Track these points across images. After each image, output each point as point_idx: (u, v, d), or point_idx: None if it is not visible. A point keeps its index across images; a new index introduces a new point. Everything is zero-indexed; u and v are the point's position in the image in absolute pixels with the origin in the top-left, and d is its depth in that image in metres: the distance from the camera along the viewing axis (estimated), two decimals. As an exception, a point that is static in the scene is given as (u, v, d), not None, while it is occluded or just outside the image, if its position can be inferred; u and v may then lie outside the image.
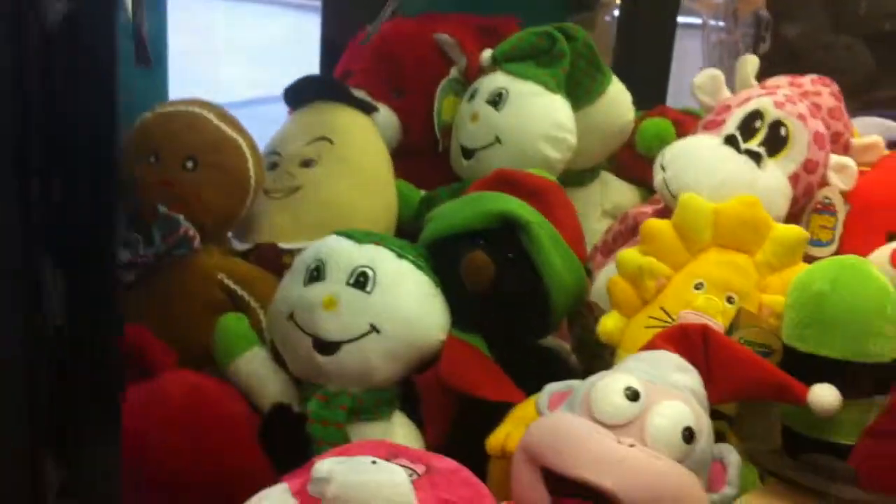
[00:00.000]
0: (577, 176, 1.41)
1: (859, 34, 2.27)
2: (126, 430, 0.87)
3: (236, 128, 1.17)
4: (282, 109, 1.38)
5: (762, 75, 1.30)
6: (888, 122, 1.54)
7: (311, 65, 1.63)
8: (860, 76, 2.20)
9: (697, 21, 3.03)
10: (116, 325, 0.73)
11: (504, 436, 0.96)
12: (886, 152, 1.29)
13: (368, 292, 1.04)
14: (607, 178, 1.49)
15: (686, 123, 1.46)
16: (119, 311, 0.73)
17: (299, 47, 1.78)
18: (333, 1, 1.68)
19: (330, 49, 1.58)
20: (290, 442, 0.99)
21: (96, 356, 0.67)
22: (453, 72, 1.43)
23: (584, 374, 0.98)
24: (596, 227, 1.40)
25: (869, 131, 1.52)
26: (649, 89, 1.98)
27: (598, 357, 1.15)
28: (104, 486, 0.67)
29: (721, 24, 3.01)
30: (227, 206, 1.16)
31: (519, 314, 1.10)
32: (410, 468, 0.84)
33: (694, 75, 1.29)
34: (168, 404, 0.95)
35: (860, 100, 1.89)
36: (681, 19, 3.04)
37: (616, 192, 1.49)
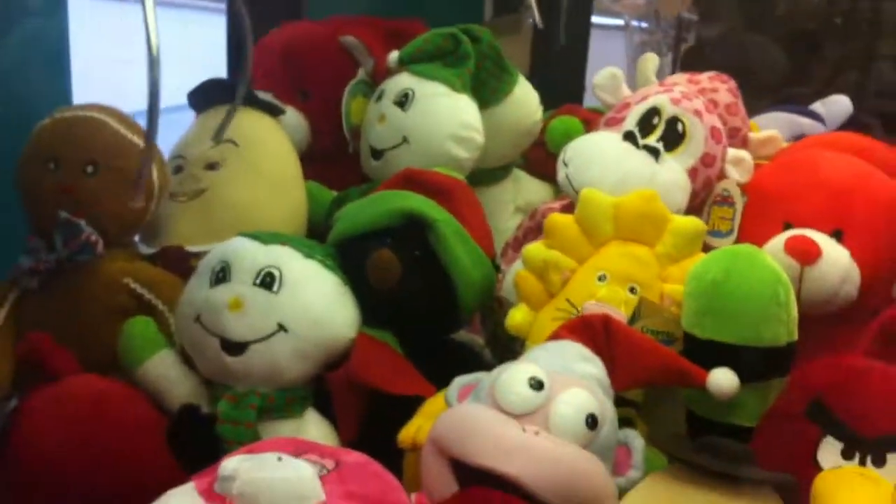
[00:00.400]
0: (488, 174, 1.43)
1: (773, 34, 2.34)
2: (29, 434, 0.86)
3: (137, 132, 1.16)
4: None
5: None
6: (797, 118, 1.59)
7: (219, 69, 1.62)
8: (773, 74, 2.27)
9: (621, 22, 3.09)
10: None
11: (415, 429, 0.97)
12: (784, 145, 1.33)
13: (275, 292, 1.04)
14: (519, 175, 1.51)
15: (595, 122, 1.49)
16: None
17: (209, 51, 1.76)
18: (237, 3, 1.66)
19: (236, 52, 1.58)
20: (199, 443, 0.98)
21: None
22: (360, 73, 1.44)
23: (497, 365, 0.99)
24: (509, 225, 1.42)
25: (780, 126, 1.57)
26: (567, 89, 2.02)
27: (510, 350, 1.16)
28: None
29: (644, 25, 3.08)
30: (131, 210, 1.14)
31: (427, 311, 1.11)
32: (320, 463, 0.84)
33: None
34: (72, 408, 0.93)
35: (773, 97, 1.94)
36: (604, 20, 3.12)
37: (528, 190, 1.51)
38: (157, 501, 0.81)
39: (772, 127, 1.58)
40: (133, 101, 1.17)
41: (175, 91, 1.33)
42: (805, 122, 1.59)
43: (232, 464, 0.80)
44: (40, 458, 0.91)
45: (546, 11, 1.99)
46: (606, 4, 3.04)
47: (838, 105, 1.62)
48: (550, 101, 1.51)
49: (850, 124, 1.57)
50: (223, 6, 1.65)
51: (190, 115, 1.35)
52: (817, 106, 1.64)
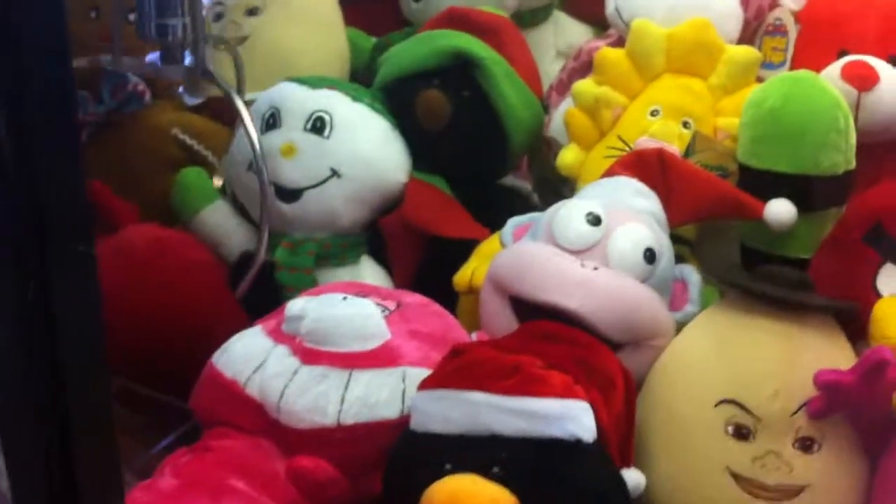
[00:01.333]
0: (529, 16, 1.39)
1: None
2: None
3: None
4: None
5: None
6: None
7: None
8: None
9: None
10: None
11: (470, 271, 0.98)
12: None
13: (326, 137, 1.04)
14: (560, 17, 1.47)
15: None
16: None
17: None
18: None
19: None
20: (260, 289, 1.00)
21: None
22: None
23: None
24: (550, 68, 1.38)
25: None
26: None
27: (558, 194, 1.16)
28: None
29: None
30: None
31: (477, 152, 1.10)
32: (381, 304, 0.86)
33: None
34: (133, 256, 0.95)
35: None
36: None
37: (569, 32, 1.47)
38: (228, 342, 0.84)
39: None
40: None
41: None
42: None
43: (299, 304, 0.82)
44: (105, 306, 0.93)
45: None
46: None
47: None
48: None
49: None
50: None
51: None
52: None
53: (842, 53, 1.06)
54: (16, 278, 0.50)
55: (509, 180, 1.19)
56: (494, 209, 1.08)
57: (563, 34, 1.46)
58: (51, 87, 0.50)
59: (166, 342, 0.92)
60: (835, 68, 1.02)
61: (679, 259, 0.93)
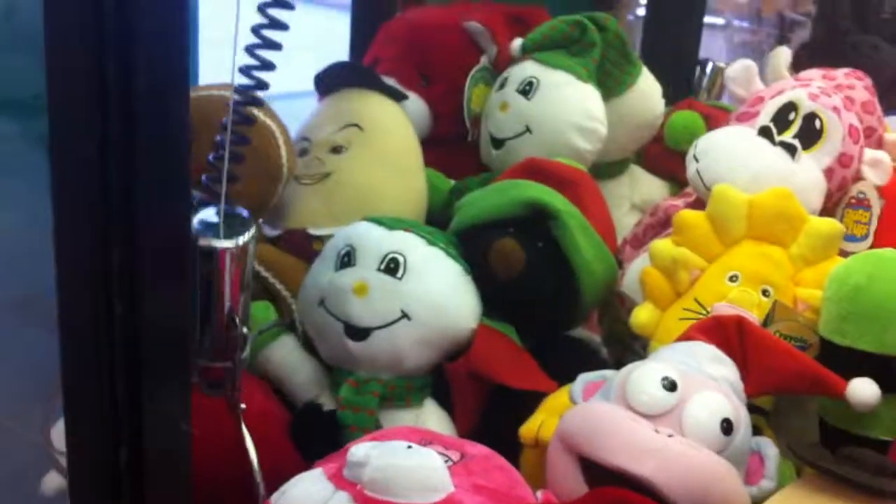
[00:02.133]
0: (606, 168, 1.41)
1: (885, 34, 2.24)
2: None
3: (268, 113, 1.16)
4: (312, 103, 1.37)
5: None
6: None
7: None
8: (887, 76, 2.18)
9: (721, 21, 3.02)
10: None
11: (538, 425, 0.96)
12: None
13: (399, 278, 1.04)
14: (636, 171, 1.49)
15: (715, 117, 1.45)
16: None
17: (329, 45, 1.78)
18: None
19: (359, 45, 1.58)
20: (322, 437, 0.99)
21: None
22: (483, 60, 1.42)
23: (615, 366, 0.97)
24: (625, 221, 1.39)
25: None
26: (676, 86, 1.98)
27: (629, 350, 1.15)
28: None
29: (745, 24, 3.00)
30: (260, 193, 1.15)
31: (549, 303, 1.10)
32: (445, 454, 0.84)
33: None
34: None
35: (886, 100, 1.87)
36: (705, 19, 3.04)
37: (645, 186, 1.48)
38: (288, 484, 0.82)
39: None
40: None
41: (302, 79, 1.35)
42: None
43: (362, 450, 0.80)
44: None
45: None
46: (708, 2, 2.97)
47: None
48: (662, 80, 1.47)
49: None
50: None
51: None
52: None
53: (926, 232, 1.05)
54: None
55: (579, 332, 1.18)
56: (563, 361, 1.06)
57: (639, 188, 1.47)
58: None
59: (223, 488, 0.90)
60: (919, 247, 1.00)
61: (755, 429, 0.91)
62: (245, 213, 0.95)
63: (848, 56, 2.13)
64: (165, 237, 0.73)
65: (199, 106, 1.15)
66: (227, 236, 0.88)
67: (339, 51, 1.65)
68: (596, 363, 1.08)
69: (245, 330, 0.89)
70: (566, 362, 1.04)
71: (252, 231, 0.91)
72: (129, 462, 0.58)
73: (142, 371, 0.65)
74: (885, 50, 2.16)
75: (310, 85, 1.35)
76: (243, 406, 0.91)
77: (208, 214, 0.92)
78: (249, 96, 0.94)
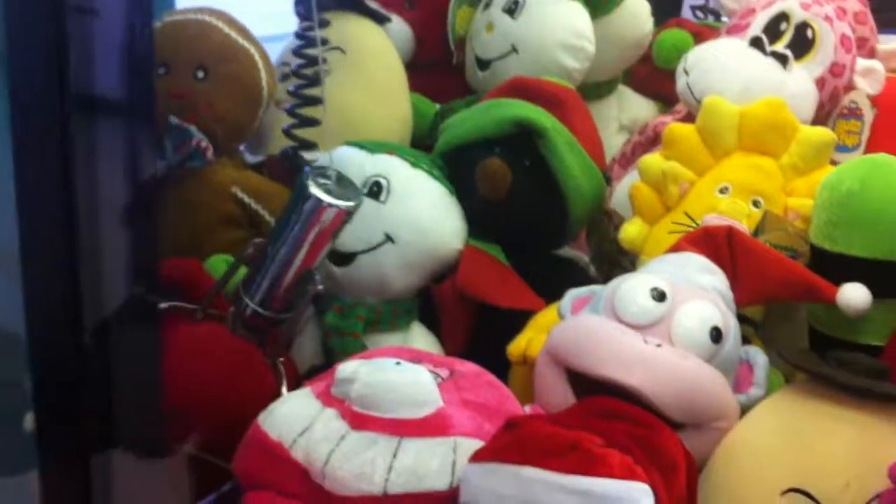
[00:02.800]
0: (593, 89, 1.38)
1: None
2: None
3: (247, 37, 1.14)
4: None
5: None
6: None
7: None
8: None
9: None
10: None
11: (525, 342, 0.95)
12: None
13: (382, 202, 1.03)
14: (624, 91, 1.46)
15: (704, 35, 1.42)
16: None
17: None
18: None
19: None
20: None
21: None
22: (468, -20, 1.39)
23: (604, 283, 0.96)
24: (613, 141, 1.37)
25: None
26: (664, 5, 1.94)
27: (618, 267, 1.14)
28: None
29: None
30: (240, 116, 1.14)
31: (537, 222, 1.08)
32: (434, 371, 0.83)
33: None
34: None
35: (880, 19, 1.84)
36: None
37: (633, 106, 1.46)
38: (276, 402, 0.81)
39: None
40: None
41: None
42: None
43: (350, 367, 0.80)
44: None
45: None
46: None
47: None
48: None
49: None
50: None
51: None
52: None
53: (919, 139, 1.03)
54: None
55: (567, 251, 1.17)
56: (551, 280, 1.05)
57: (627, 108, 1.45)
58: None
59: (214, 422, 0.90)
60: (913, 153, 0.99)
61: (745, 340, 0.90)
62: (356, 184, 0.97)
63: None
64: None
65: (177, 30, 1.13)
66: (339, 196, 0.90)
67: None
68: (584, 281, 1.07)
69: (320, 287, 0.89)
70: (554, 281, 1.03)
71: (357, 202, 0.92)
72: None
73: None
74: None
75: (283, 28, 1.32)
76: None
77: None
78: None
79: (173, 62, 1.12)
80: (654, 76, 1.44)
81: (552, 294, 0.98)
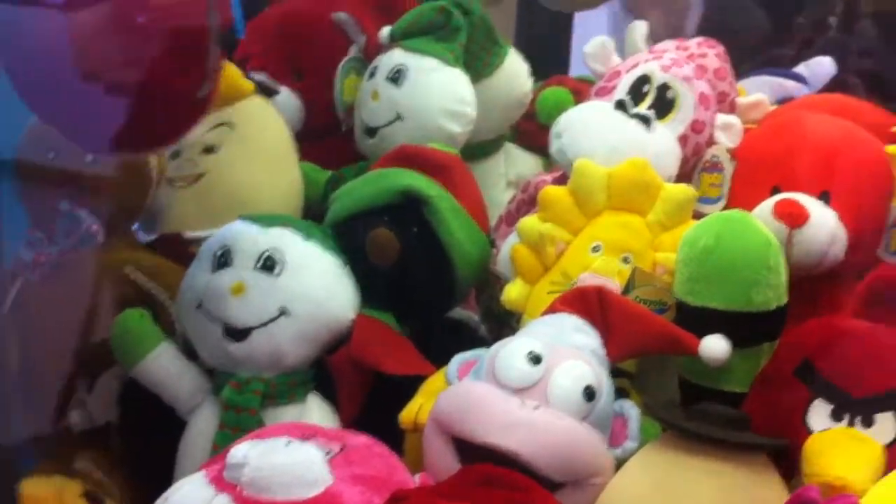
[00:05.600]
0: (480, 148, 1.44)
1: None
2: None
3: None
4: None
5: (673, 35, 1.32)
6: (782, 81, 1.59)
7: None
8: (755, 36, 2.25)
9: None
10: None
11: (416, 409, 0.99)
12: (771, 109, 1.33)
13: (276, 275, 1.06)
14: (510, 148, 1.52)
15: (584, 91, 1.48)
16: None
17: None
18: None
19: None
20: None
21: None
22: (353, 50, 1.44)
23: (493, 343, 1.01)
24: (501, 198, 1.42)
25: (765, 90, 1.57)
26: (553, 59, 2.02)
27: (506, 325, 1.18)
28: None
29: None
30: (130, 199, 1.16)
31: (426, 288, 1.13)
32: (326, 447, 0.87)
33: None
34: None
35: (755, 59, 1.94)
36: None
37: (519, 162, 1.52)
38: (169, 491, 0.84)
39: (757, 91, 1.59)
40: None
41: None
42: (790, 84, 1.59)
43: (241, 451, 0.82)
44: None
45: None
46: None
47: (822, 66, 1.63)
48: (536, 70, 1.51)
49: (834, 85, 1.58)
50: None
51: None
52: (801, 68, 1.64)
53: (775, 190, 1.10)
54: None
55: (458, 312, 1.22)
56: (443, 343, 1.09)
57: (514, 165, 1.51)
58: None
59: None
60: (767, 205, 1.05)
61: (620, 392, 0.95)
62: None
63: (715, 19, 2.21)
64: None
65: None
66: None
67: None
68: (474, 342, 1.11)
69: None
70: (445, 344, 1.07)
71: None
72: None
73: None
74: (753, 10, 2.23)
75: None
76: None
77: None
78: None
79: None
80: (540, 132, 1.50)
81: (445, 357, 1.01)
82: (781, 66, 1.66)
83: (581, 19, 2.20)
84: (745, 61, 1.78)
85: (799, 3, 2.23)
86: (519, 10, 1.91)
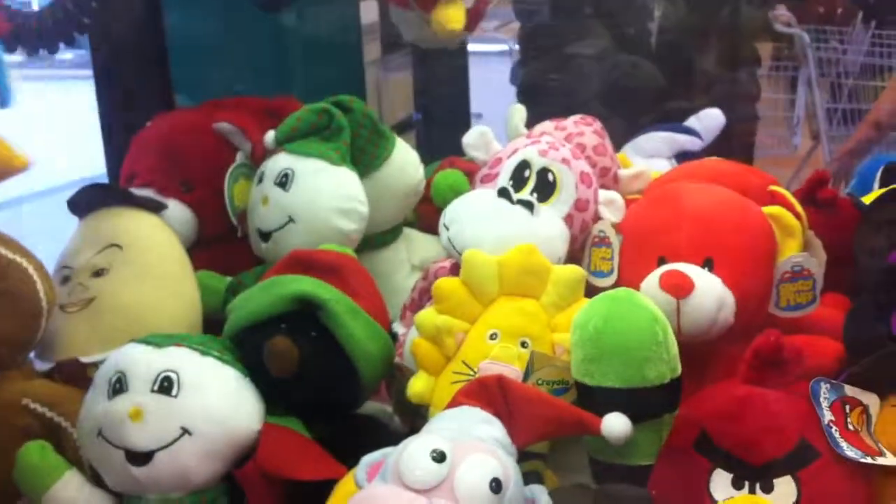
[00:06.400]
0: (380, 238, 1.45)
1: (642, 52, 2.38)
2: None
3: (20, 251, 1.15)
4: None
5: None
6: (675, 136, 1.65)
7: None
8: (648, 91, 2.31)
9: (504, 48, 3.16)
10: None
11: (328, 516, 0.98)
12: (654, 175, 1.37)
13: (175, 396, 1.04)
14: (411, 234, 1.54)
15: (477, 172, 1.52)
16: None
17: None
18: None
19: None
20: None
21: None
22: (239, 157, 1.45)
23: (408, 434, 1.00)
24: (405, 284, 1.43)
25: (659, 145, 1.63)
26: (453, 121, 2.06)
27: (417, 415, 1.18)
28: None
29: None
30: (21, 331, 1.13)
31: (329, 391, 1.13)
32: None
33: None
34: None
35: (650, 114, 2.00)
36: (487, 47, 3.19)
37: (421, 247, 1.53)
38: None
39: (651, 147, 1.65)
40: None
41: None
42: (682, 138, 1.65)
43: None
44: None
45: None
46: (489, 31, 3.10)
47: (711, 118, 1.69)
48: (439, 134, 1.53)
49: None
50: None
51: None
52: (693, 121, 1.70)
53: (661, 260, 1.13)
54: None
55: (369, 405, 1.21)
56: (355, 440, 1.09)
57: (416, 250, 1.52)
58: None
59: None
60: (654, 278, 1.09)
61: (534, 475, 0.96)
62: None
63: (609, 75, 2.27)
64: None
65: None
66: None
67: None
68: (387, 436, 1.11)
69: None
70: (357, 441, 1.06)
71: None
72: None
73: None
74: (644, 67, 2.30)
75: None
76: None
77: None
78: None
79: None
80: (438, 214, 1.52)
81: (358, 455, 1.00)
82: (677, 119, 1.72)
83: (482, 80, 2.24)
84: (644, 116, 1.85)
85: (688, 57, 2.30)
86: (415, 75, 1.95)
